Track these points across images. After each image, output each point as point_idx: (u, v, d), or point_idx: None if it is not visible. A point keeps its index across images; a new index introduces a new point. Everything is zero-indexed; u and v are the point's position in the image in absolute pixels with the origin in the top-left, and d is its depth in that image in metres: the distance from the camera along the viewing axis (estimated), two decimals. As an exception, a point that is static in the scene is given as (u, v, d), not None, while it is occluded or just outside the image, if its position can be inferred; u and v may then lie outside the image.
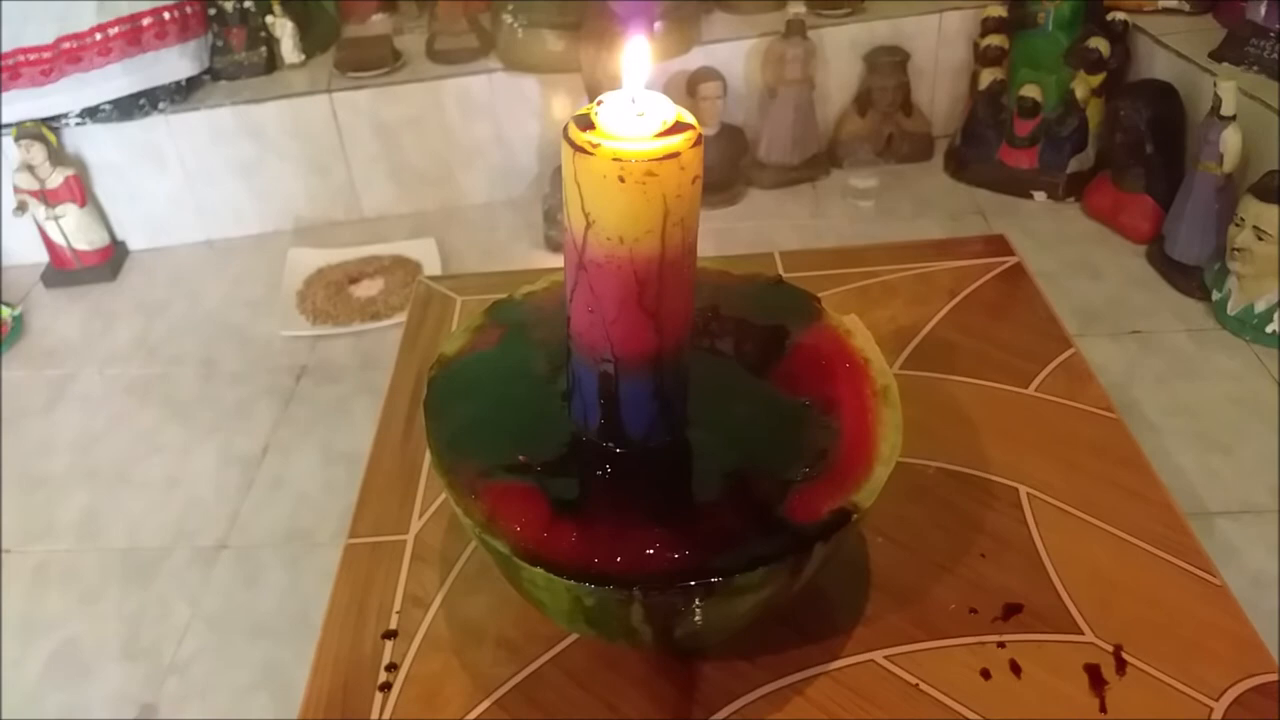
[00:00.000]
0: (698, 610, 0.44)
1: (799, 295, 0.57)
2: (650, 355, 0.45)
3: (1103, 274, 1.69)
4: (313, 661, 0.54)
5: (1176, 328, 1.55)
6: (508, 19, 1.87)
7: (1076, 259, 1.72)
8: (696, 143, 0.40)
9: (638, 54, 0.41)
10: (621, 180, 0.39)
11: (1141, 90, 1.75)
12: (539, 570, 0.42)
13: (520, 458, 0.47)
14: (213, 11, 1.96)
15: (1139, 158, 1.72)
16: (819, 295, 0.57)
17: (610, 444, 0.47)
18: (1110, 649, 0.51)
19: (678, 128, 0.41)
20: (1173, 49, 1.77)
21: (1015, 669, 0.51)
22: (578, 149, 0.40)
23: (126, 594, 1.29)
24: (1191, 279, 1.61)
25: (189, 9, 1.91)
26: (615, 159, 0.39)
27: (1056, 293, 1.64)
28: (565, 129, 0.41)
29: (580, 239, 0.42)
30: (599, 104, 0.41)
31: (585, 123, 0.41)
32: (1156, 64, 1.80)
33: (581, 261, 0.42)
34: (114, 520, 1.41)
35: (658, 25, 1.78)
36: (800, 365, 0.53)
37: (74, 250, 1.92)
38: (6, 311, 1.81)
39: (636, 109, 0.41)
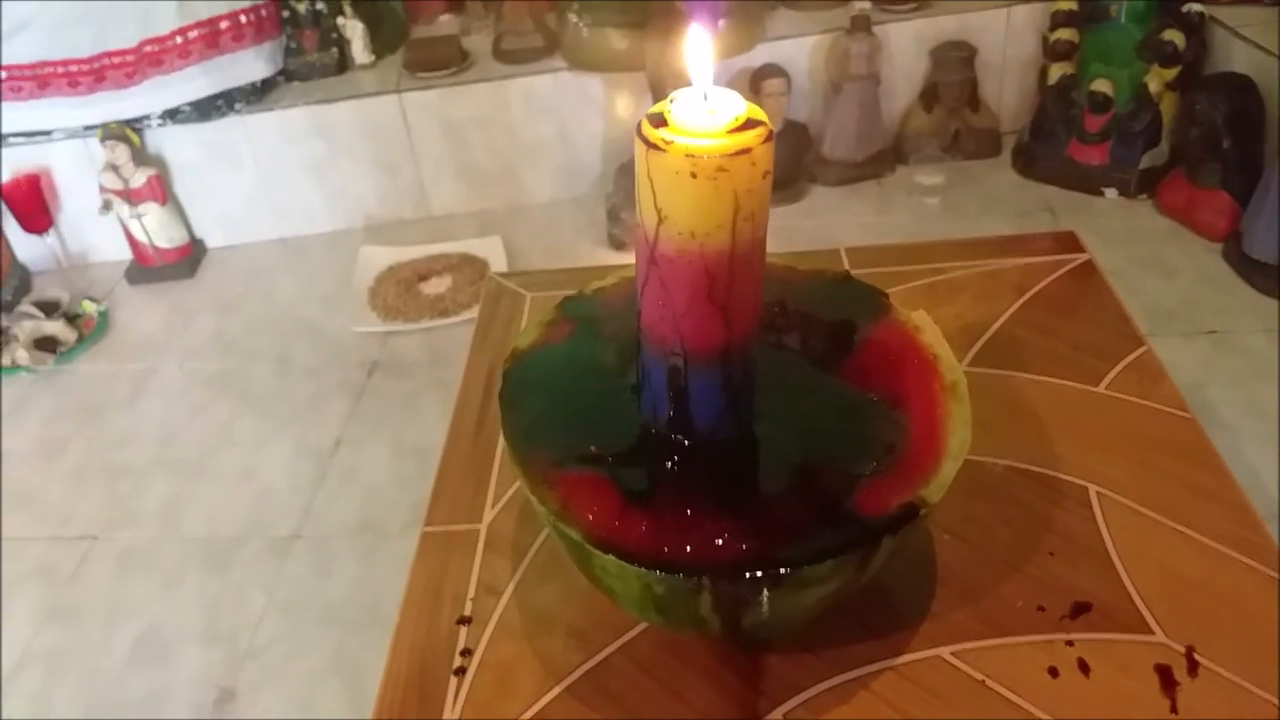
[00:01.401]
0: (765, 601, 0.44)
1: (867, 291, 0.57)
2: (719, 349, 0.45)
3: (1176, 272, 1.65)
4: (390, 645, 0.55)
5: (1254, 328, 1.51)
6: (573, 18, 1.89)
7: (1149, 257, 1.69)
8: (767, 139, 0.41)
9: (700, 46, 0.42)
10: (693, 176, 0.40)
11: (1218, 83, 1.71)
12: (610, 558, 0.43)
13: (592, 449, 0.48)
14: (286, 14, 2.01)
15: (1215, 153, 1.67)
16: (886, 291, 0.57)
17: (679, 436, 0.48)
18: (1182, 649, 0.51)
19: (749, 124, 0.41)
20: (1251, 41, 1.72)
21: (1084, 668, 0.50)
22: (651, 145, 0.41)
23: (206, 581, 1.34)
24: (1270, 277, 1.57)
25: (264, 12, 1.97)
26: (688, 155, 0.40)
27: (1127, 291, 1.58)
28: (639, 126, 0.42)
29: (652, 234, 0.43)
30: (672, 101, 0.42)
31: (659, 120, 0.42)
32: (1234, 56, 1.76)
33: (653, 256, 0.43)
34: (194, 510, 1.46)
35: (721, 23, 1.78)
36: (868, 360, 0.54)
37: (155, 248, 1.98)
38: (93, 307, 1.89)
39: (708, 105, 0.41)
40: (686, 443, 0.48)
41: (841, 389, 0.52)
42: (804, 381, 0.53)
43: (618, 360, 0.53)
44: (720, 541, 0.44)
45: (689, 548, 0.43)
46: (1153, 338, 1.46)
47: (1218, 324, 1.53)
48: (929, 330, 0.54)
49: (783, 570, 0.42)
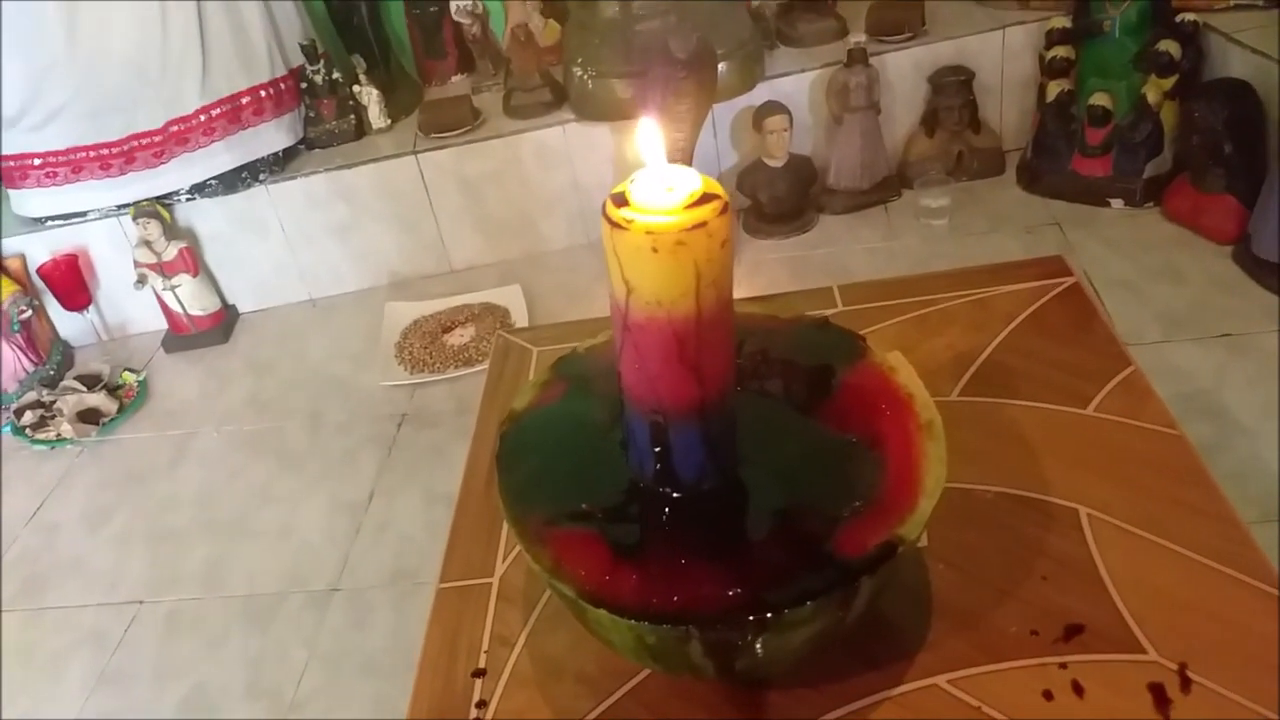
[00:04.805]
0: (753, 644, 0.47)
1: (844, 335, 0.60)
2: (695, 406, 0.48)
3: (1186, 278, 1.65)
4: (410, 701, 0.58)
5: (1267, 328, 1.51)
6: (577, 71, 1.94)
7: (1158, 264, 1.69)
8: (723, 211, 0.44)
9: (650, 133, 0.45)
10: (655, 250, 0.43)
11: (1216, 90, 1.71)
12: (603, 611, 0.46)
13: (583, 505, 0.51)
14: (304, 85, 2.08)
15: (1218, 158, 1.68)
16: (877, 326, 0.60)
17: (665, 489, 0.51)
18: (1174, 667, 0.52)
19: (705, 198, 0.44)
20: (1247, 45, 1.72)
21: (1078, 689, 0.52)
22: (614, 225, 0.44)
23: (249, 638, 1.38)
24: (1281, 277, 1.57)
25: (283, 85, 2.03)
26: (648, 232, 0.43)
27: (1138, 300, 1.61)
28: (604, 207, 0.45)
29: (623, 304, 0.46)
30: (631, 182, 0.45)
31: (621, 200, 0.45)
32: (1231, 62, 1.76)
33: (626, 324, 0.46)
34: (235, 569, 1.50)
35: (721, 66, 1.82)
36: (846, 403, 0.56)
37: (189, 316, 2.05)
38: (132, 377, 1.95)
39: (665, 184, 0.45)
40: (673, 495, 0.51)
41: (821, 433, 0.55)
42: (786, 427, 0.56)
43: (608, 417, 0.56)
44: (705, 591, 0.46)
45: (676, 598, 0.46)
46: (1165, 344, 1.46)
47: (1231, 326, 1.53)
48: (904, 371, 0.57)
49: (765, 615, 0.45)
